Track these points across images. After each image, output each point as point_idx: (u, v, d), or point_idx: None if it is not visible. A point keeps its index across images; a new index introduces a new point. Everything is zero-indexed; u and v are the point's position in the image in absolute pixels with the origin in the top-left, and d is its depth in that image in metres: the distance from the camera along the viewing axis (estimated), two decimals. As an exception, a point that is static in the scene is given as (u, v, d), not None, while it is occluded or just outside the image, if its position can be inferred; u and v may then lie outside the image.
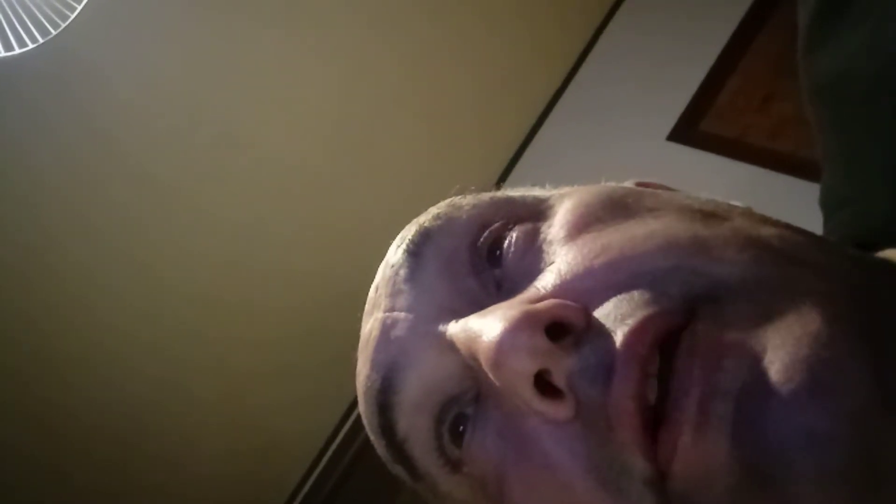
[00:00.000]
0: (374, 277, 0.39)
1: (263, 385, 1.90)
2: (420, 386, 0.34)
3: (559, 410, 0.28)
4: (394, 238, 0.38)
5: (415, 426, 0.34)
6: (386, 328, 0.35)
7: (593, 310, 0.29)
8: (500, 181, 2.17)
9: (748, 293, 0.27)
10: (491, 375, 0.29)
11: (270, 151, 1.83)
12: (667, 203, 0.33)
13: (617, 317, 0.28)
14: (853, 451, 0.24)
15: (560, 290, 0.30)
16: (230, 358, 1.88)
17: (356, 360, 0.38)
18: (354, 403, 1.98)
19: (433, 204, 0.39)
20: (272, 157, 1.83)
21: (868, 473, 0.24)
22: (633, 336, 0.27)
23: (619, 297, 0.29)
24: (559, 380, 0.28)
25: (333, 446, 2.02)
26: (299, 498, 2.00)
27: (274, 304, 1.90)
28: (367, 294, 0.39)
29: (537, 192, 0.38)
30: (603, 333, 0.28)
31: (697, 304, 0.28)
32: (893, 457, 0.25)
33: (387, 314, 0.35)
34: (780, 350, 0.25)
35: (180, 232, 1.76)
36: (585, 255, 0.31)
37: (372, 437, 0.37)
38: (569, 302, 0.29)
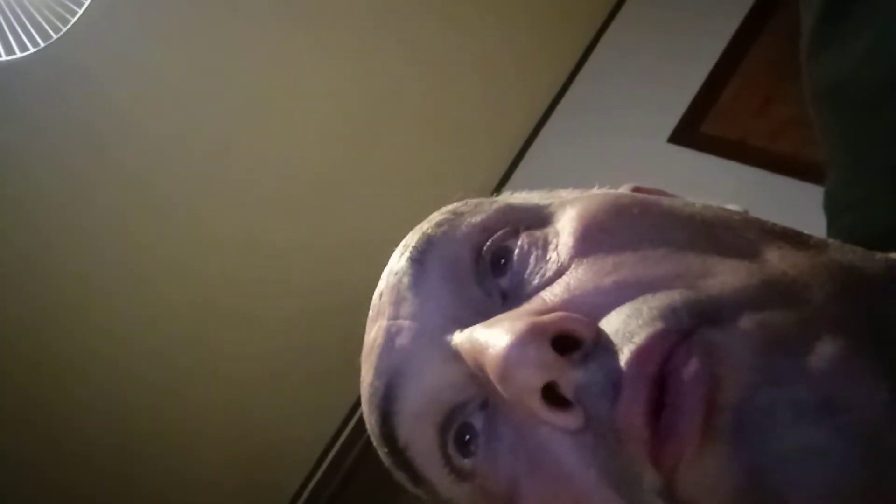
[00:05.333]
0: (373, 285, 0.39)
1: (263, 392, 1.90)
2: (422, 395, 0.34)
3: (569, 420, 0.28)
4: (394, 246, 0.38)
5: (416, 434, 0.34)
6: (390, 336, 0.35)
7: (601, 324, 0.29)
8: (500, 185, 2.17)
9: (756, 312, 0.28)
10: (499, 388, 0.29)
11: (270, 158, 1.83)
12: (670, 215, 0.34)
13: (625, 334, 0.28)
14: (862, 468, 0.24)
15: (569, 304, 0.31)
16: (229, 365, 1.87)
17: (360, 367, 0.38)
18: (353, 411, 1.99)
19: (435, 209, 0.39)
20: (272, 165, 1.83)
21: (873, 491, 0.24)
22: (641, 354, 0.27)
23: (628, 313, 0.29)
24: (567, 391, 0.28)
25: (332, 454, 2.02)
26: None
27: (273, 312, 1.89)
28: (367, 302, 0.39)
29: (537, 198, 0.38)
30: (610, 350, 0.28)
31: (704, 322, 0.28)
32: None
33: (391, 322, 0.35)
34: (788, 367, 0.26)
35: (179, 240, 1.76)
36: (597, 272, 0.31)
37: (375, 443, 0.37)
38: (577, 315, 0.30)
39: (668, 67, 2.07)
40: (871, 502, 0.24)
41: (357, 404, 2.04)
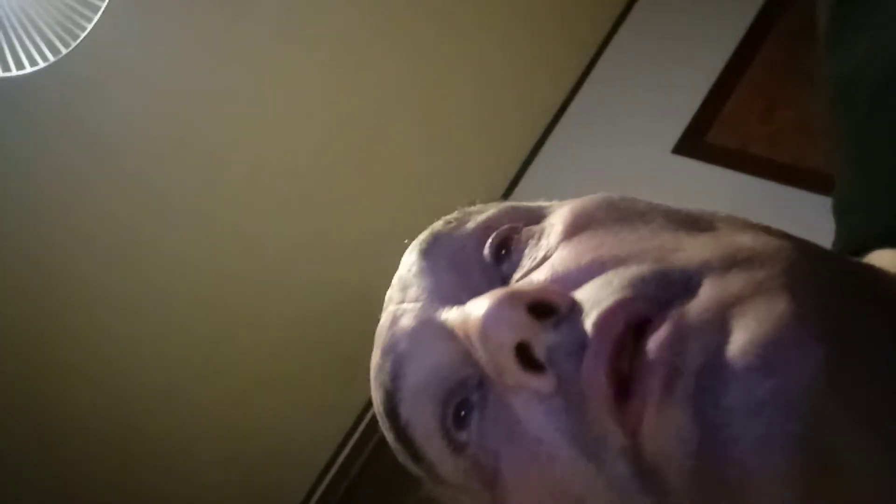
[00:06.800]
0: (378, 288, 0.42)
1: (269, 396, 1.90)
2: (421, 373, 0.36)
3: (540, 382, 0.31)
4: (398, 250, 0.41)
5: (416, 411, 0.36)
6: (395, 319, 0.38)
7: (576, 295, 0.32)
8: (505, 195, 2.17)
9: (718, 285, 0.30)
10: (479, 350, 0.32)
11: (274, 164, 1.84)
12: (655, 209, 0.36)
13: (595, 300, 0.31)
14: (797, 421, 0.26)
15: (549, 281, 0.33)
16: (234, 369, 1.88)
17: (368, 369, 0.40)
18: (362, 414, 1.99)
19: (439, 217, 0.42)
20: (276, 170, 1.84)
21: (812, 444, 0.26)
22: (606, 315, 0.30)
23: (600, 284, 0.31)
24: (539, 353, 0.31)
25: (340, 458, 2.02)
26: (307, 512, 2.00)
27: (279, 316, 1.90)
28: (373, 305, 0.42)
29: (541, 202, 0.40)
30: (580, 313, 0.31)
31: (672, 291, 0.30)
32: (834, 436, 0.26)
33: (397, 306, 0.38)
34: (741, 331, 0.28)
35: (182, 246, 1.77)
36: (578, 251, 0.34)
37: (380, 422, 0.40)
38: (554, 286, 0.32)
39: (673, 77, 2.08)
40: (807, 453, 0.26)
41: (366, 408, 2.04)
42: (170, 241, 1.75)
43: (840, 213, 0.45)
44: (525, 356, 0.31)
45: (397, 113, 1.97)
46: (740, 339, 0.27)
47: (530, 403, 0.31)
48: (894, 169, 0.40)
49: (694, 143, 1.99)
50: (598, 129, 2.17)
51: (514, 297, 0.31)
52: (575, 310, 0.31)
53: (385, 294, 0.41)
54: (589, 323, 0.30)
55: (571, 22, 2.22)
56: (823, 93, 0.44)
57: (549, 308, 0.31)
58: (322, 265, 1.93)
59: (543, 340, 0.30)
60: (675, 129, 2.02)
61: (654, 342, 0.28)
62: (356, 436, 2.01)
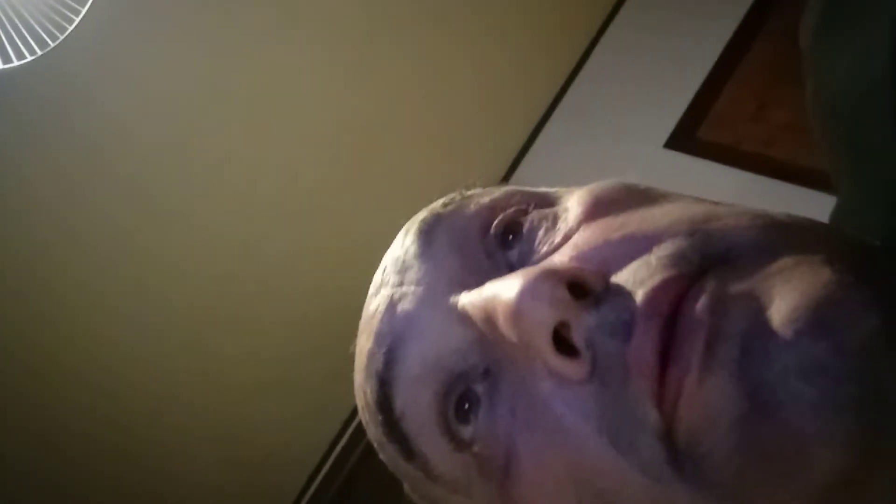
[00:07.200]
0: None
1: (262, 397, 1.90)
2: (424, 358, 0.33)
3: (574, 369, 0.28)
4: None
5: (414, 401, 0.33)
6: (393, 303, 0.35)
7: (611, 276, 0.30)
8: (498, 190, 2.17)
9: (759, 252, 0.29)
10: (508, 331, 0.29)
11: (269, 164, 1.83)
12: (676, 193, 0.35)
13: (636, 280, 0.29)
14: (855, 383, 0.25)
15: (578, 260, 0.31)
16: (228, 370, 1.87)
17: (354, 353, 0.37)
18: (353, 415, 1.99)
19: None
20: (271, 170, 1.84)
21: (871, 408, 0.25)
22: (654, 293, 0.28)
23: (637, 263, 0.29)
24: (578, 336, 0.28)
25: (332, 458, 2.02)
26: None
27: (274, 317, 1.90)
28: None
29: (544, 188, 0.38)
30: (622, 293, 0.29)
31: (714, 264, 0.29)
32: (894, 396, 0.25)
33: (395, 289, 0.35)
34: (788, 296, 0.26)
35: (177, 247, 1.76)
36: (604, 229, 0.32)
37: (367, 417, 0.37)
38: (588, 266, 0.30)
39: (664, 73, 2.08)
40: (867, 415, 0.25)
41: (355, 411, 2.03)
42: (162, 240, 1.74)
43: (835, 217, 0.45)
44: (560, 341, 0.28)
45: (389, 110, 1.97)
46: (788, 303, 0.26)
47: (560, 390, 0.29)
48: (886, 181, 0.40)
49: (686, 138, 1.99)
50: (590, 124, 2.17)
51: (552, 275, 0.29)
52: (611, 290, 0.29)
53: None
54: (636, 302, 0.28)
55: (563, 17, 2.22)
56: (813, 102, 0.44)
57: (584, 288, 0.29)
58: (314, 267, 1.93)
59: (584, 322, 0.28)
60: (667, 123, 2.02)
61: (695, 308, 0.27)
62: (347, 435, 2.01)
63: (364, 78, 1.91)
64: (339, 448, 2.01)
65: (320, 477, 2.01)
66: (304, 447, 2.01)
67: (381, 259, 0.38)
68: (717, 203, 0.33)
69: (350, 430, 1.99)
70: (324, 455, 2.03)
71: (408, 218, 0.38)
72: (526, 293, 0.28)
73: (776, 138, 1.87)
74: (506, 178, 2.21)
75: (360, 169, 1.95)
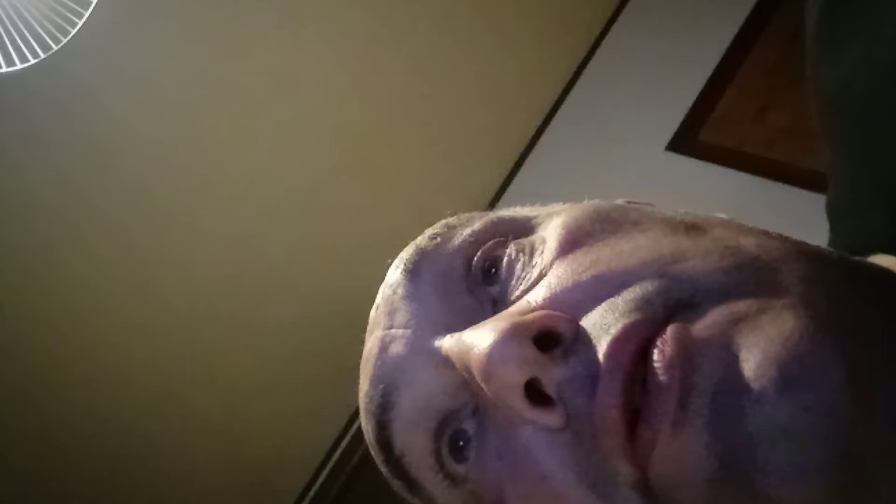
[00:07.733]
0: (373, 292, 0.40)
1: (264, 398, 1.90)
2: (415, 402, 0.34)
3: (550, 418, 0.29)
4: (392, 254, 0.40)
5: (411, 443, 0.35)
6: (384, 346, 0.36)
7: (581, 318, 0.30)
8: (499, 193, 2.17)
9: (726, 296, 0.29)
10: (483, 387, 0.30)
11: (269, 166, 1.83)
12: (650, 216, 0.35)
13: (602, 326, 0.29)
14: (821, 446, 0.25)
15: (549, 303, 0.31)
16: (229, 371, 1.87)
17: (357, 376, 0.39)
18: (354, 416, 1.99)
19: (432, 218, 0.40)
20: (271, 172, 1.84)
21: (838, 468, 0.25)
22: (615, 346, 0.28)
23: (605, 306, 0.30)
24: (549, 388, 0.29)
25: (333, 459, 2.02)
26: (300, 511, 2.00)
27: (274, 318, 1.90)
28: (367, 308, 0.40)
29: (527, 211, 0.39)
30: (588, 343, 0.29)
31: (678, 310, 0.29)
32: (868, 452, 0.25)
33: (385, 332, 0.36)
34: (754, 348, 0.26)
35: (178, 247, 1.76)
36: (575, 269, 0.32)
37: (372, 452, 0.38)
38: (557, 313, 0.31)
39: (666, 76, 2.08)
40: (829, 480, 0.25)
41: (358, 410, 2.03)
42: (164, 240, 1.74)
43: (835, 216, 0.45)
44: (533, 390, 0.29)
45: (391, 112, 1.97)
46: (755, 358, 0.26)
47: (537, 437, 0.30)
48: (890, 177, 0.39)
49: (688, 141, 1.99)
50: (592, 127, 2.17)
51: (519, 330, 0.29)
52: (580, 338, 0.29)
53: (375, 296, 0.39)
54: (598, 353, 0.28)
55: (566, 20, 2.22)
56: (815, 97, 0.44)
57: (554, 337, 0.30)
58: (316, 268, 1.93)
59: (553, 377, 0.29)
60: (669, 126, 2.02)
61: (662, 362, 0.27)
62: (349, 435, 2.01)
63: (367, 80, 1.91)
64: (341, 448, 2.01)
65: (322, 477, 2.01)
66: (306, 447, 2.01)
67: (381, 259, 0.40)
68: (691, 228, 0.33)
69: (352, 430, 1.99)
70: (326, 455, 2.03)
71: (408, 220, 0.40)
72: (494, 353, 0.29)
73: (778, 141, 1.87)
74: (507, 182, 2.21)
75: (362, 170, 1.95)
